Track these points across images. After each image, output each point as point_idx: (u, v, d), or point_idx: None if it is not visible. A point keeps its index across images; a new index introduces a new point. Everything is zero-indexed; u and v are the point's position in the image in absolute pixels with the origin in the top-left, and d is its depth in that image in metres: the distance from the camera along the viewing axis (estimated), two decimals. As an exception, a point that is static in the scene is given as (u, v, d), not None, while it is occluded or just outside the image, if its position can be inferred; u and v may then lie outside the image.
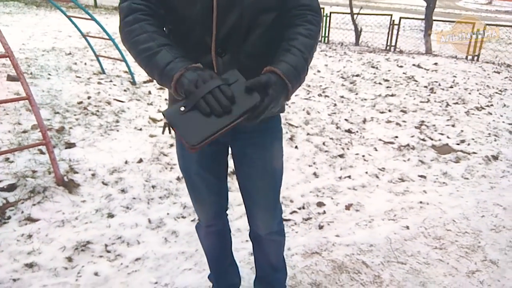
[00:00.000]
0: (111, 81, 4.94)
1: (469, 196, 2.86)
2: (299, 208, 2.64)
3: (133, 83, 4.86)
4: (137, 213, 2.40)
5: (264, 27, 1.15)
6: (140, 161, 2.93)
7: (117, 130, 3.43)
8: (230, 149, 1.40)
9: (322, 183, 2.98)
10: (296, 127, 3.88)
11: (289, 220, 2.49)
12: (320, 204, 2.70)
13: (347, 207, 2.68)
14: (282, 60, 1.09)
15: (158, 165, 2.90)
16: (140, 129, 3.47)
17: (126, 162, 2.91)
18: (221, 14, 1.09)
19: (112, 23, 11.20)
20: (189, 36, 1.14)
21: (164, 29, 1.17)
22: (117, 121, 3.62)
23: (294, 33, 1.14)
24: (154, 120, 3.64)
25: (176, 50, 1.06)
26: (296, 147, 3.45)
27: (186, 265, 2.02)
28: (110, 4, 16.33)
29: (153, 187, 2.66)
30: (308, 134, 3.76)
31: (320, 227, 2.43)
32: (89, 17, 4.65)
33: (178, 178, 2.78)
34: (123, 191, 2.59)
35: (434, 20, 9.39)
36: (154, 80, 1.10)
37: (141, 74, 5.33)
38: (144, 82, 4.99)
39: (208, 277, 1.81)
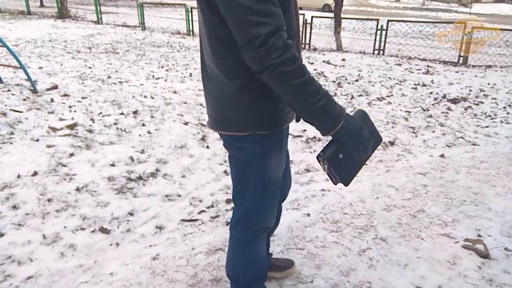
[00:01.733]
0: (9, 90, 4.56)
1: (366, 180, 3.09)
2: (208, 207, 2.66)
3: (34, 91, 4.54)
4: (30, 229, 2.25)
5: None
6: (35, 174, 2.75)
7: (11, 143, 3.18)
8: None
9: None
10: (208, 127, 3.89)
11: (196, 220, 2.50)
12: (228, 201, 2.74)
13: (255, 202, 2.75)
14: None
15: (55, 177, 2.74)
16: (37, 140, 3.25)
17: (18, 177, 2.71)
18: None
19: (17, 28, 10.36)
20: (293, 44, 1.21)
21: None
22: (12, 133, 3.36)
23: None
24: (54, 129, 3.43)
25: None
26: (207, 147, 3.47)
27: (82, 278, 1.94)
28: (15, 9, 15.08)
29: (49, 200, 2.51)
30: (220, 133, 3.80)
31: (227, 223, 2.47)
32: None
33: (77, 189, 2.66)
34: (14, 207, 2.41)
35: (343, 18, 9.98)
36: (307, 116, 1.16)
37: (44, 82, 5.00)
38: (48, 90, 4.68)
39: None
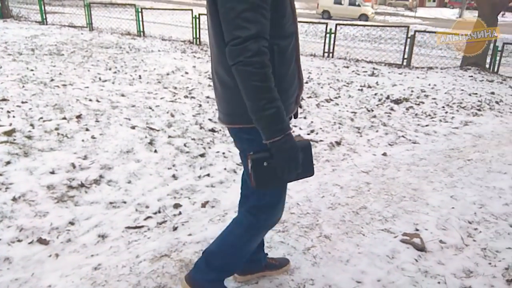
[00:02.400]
0: None
1: (313, 180, 3.16)
2: (155, 213, 2.60)
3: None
4: (-41, 244, 2.10)
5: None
6: (-35, 184, 2.57)
7: None
8: None
9: (180, 184, 2.99)
10: (158, 130, 3.82)
11: (142, 226, 2.45)
12: (176, 206, 2.70)
13: (203, 205, 2.74)
14: None
15: (-12, 187, 2.58)
16: (-31, 148, 3.04)
17: None
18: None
19: None
20: (292, 49, 1.42)
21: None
22: None
23: None
24: (-12, 137, 3.22)
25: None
26: (155, 151, 3.40)
27: (16, 293, 1.83)
28: None
29: (-19, 212, 2.35)
30: (169, 136, 3.74)
31: (174, 229, 2.44)
32: None
33: (14, 199, 2.51)
34: None
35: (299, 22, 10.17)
36: (255, 117, 1.29)
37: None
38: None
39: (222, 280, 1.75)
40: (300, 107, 1.58)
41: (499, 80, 7.50)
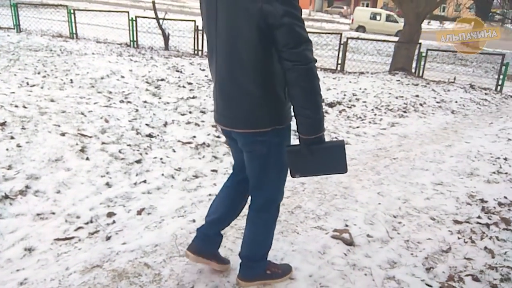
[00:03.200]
0: None
1: (251, 183, 3.23)
2: (86, 223, 2.51)
3: None
4: None
5: None
6: None
7: None
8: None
9: (115, 192, 2.90)
10: (90, 137, 3.67)
11: (72, 238, 2.34)
12: (110, 214, 2.62)
13: (139, 212, 2.68)
14: None
15: None
16: None
17: None
18: None
19: None
20: None
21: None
22: None
23: None
24: None
25: None
26: (87, 158, 3.27)
27: None
28: None
29: None
30: (103, 143, 3.61)
31: (107, 238, 2.36)
32: None
33: None
34: None
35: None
36: (314, 112, 1.54)
37: None
38: None
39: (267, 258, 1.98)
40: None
41: (423, 84, 8.13)
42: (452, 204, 3.09)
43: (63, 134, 3.59)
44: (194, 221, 2.58)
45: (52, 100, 4.61)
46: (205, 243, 1.98)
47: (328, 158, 1.60)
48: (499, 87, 8.60)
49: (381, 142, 4.52)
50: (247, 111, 1.60)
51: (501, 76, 8.63)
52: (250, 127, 1.62)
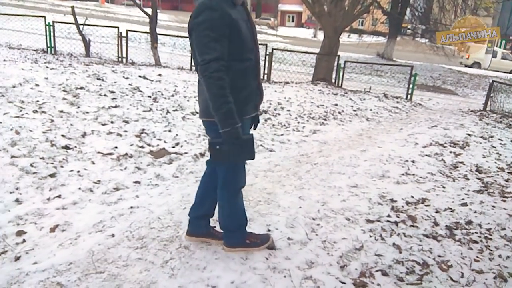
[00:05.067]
0: None
1: (176, 193, 3.20)
2: (-9, 244, 2.30)
3: None
4: None
5: None
6: None
7: None
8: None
9: (25, 209, 2.70)
10: (-3, 150, 3.38)
11: (-27, 261, 2.14)
12: (20, 233, 2.44)
13: (52, 229, 2.52)
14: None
15: None
16: None
17: None
18: (258, 57, 2.18)
19: None
20: (251, 70, 2.11)
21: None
22: None
23: None
24: None
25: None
26: (-8, 173, 3.01)
27: None
28: None
29: None
30: (13, 156, 3.34)
31: (17, 259, 2.19)
32: None
33: None
34: None
35: (160, 34, 10.11)
36: (214, 114, 1.93)
37: None
38: None
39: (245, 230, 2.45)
40: (260, 113, 2.22)
41: (342, 93, 8.66)
42: (365, 205, 3.33)
43: (-36, 148, 3.26)
44: (113, 235, 2.49)
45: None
46: (193, 226, 2.45)
47: (242, 148, 1.99)
48: (409, 96, 9.46)
49: (304, 148, 4.73)
50: (205, 103, 2.05)
51: (411, 86, 9.49)
52: (207, 116, 2.07)
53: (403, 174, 4.20)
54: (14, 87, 5.57)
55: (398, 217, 3.15)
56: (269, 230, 2.72)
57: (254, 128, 2.36)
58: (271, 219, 2.88)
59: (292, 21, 53.20)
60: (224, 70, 1.89)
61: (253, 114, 2.22)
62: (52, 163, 3.39)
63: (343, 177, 3.90)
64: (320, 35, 34.24)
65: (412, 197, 3.61)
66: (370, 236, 2.80)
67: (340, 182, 3.76)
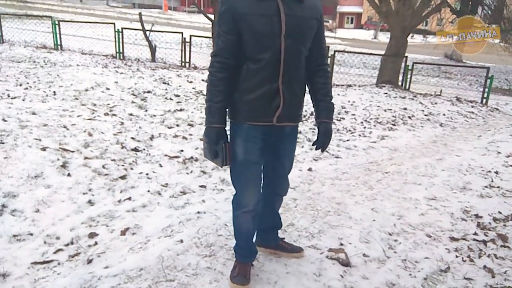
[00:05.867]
0: None
1: (242, 199, 3.11)
2: (67, 245, 2.35)
3: None
4: None
5: (302, 68, 1.90)
6: None
7: None
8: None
9: (97, 210, 2.75)
10: (72, 151, 3.51)
11: (51, 261, 2.18)
12: (92, 235, 2.47)
13: (123, 232, 2.53)
14: (324, 110, 1.99)
15: None
16: None
17: None
18: (287, 56, 1.79)
19: None
20: (263, 71, 1.80)
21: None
22: None
23: (320, 83, 1.99)
24: None
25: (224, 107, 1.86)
26: (68, 174, 3.11)
27: None
28: None
29: None
30: (86, 158, 3.46)
31: (89, 262, 2.21)
32: None
33: None
34: None
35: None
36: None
37: None
38: None
39: (234, 248, 2.18)
40: (294, 125, 2.05)
41: (410, 97, 8.17)
42: (447, 220, 3.02)
43: (43, 149, 3.42)
44: (181, 241, 2.45)
45: (33, 113, 4.43)
46: (261, 238, 2.32)
47: (209, 151, 1.88)
48: (484, 100, 8.71)
49: (372, 155, 4.46)
50: None
51: (486, 89, 8.74)
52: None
53: (486, 187, 3.79)
54: (86, 90, 5.86)
55: (486, 236, 2.81)
56: (341, 244, 2.53)
57: (280, 143, 2.01)
58: (342, 232, 2.69)
59: (351, 22, 51.95)
60: (219, 67, 1.79)
61: (263, 123, 1.87)
62: (123, 165, 3.46)
63: (419, 188, 3.59)
64: (381, 37, 33.03)
65: (500, 212, 3.22)
66: (457, 257, 2.51)
67: (416, 193, 3.46)
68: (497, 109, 8.43)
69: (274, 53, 1.77)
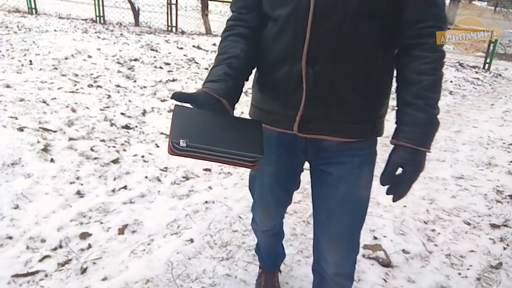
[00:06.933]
0: None
1: (253, 184, 2.74)
2: (54, 249, 1.96)
3: None
4: None
5: (365, 41, 1.00)
6: None
7: None
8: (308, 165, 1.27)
9: (88, 203, 2.34)
10: (54, 131, 3.05)
11: (36, 272, 1.80)
12: (84, 236, 2.08)
13: (121, 231, 2.15)
14: (407, 123, 1.05)
15: None
16: None
17: None
18: (318, 17, 0.97)
19: None
20: (279, 40, 1.05)
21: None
22: None
23: (413, 71, 1.02)
24: None
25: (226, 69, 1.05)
26: (51, 160, 2.67)
27: None
28: None
29: None
30: (71, 139, 3.00)
31: (83, 271, 1.83)
32: None
33: None
34: None
35: (210, 0, 9.52)
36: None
37: None
38: None
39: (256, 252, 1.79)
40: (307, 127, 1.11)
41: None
42: (481, 203, 2.72)
43: (21, 129, 2.95)
44: (191, 240, 2.08)
45: (7, 86, 3.90)
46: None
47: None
48: (487, 65, 8.38)
49: (387, 129, 4.10)
50: None
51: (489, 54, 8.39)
52: None
53: (511, 162, 3.51)
54: (66, 59, 5.28)
55: (528, 220, 2.53)
56: (375, 238, 2.21)
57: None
58: (373, 222, 2.36)
59: None
60: (230, 25, 1.15)
61: (279, 129, 1.14)
62: (114, 146, 3.03)
63: (444, 166, 3.27)
64: None
65: (533, 191, 2.95)
66: (504, 249, 2.22)
67: (442, 172, 3.14)
68: (500, 75, 8.12)
69: (295, 8, 1.00)
